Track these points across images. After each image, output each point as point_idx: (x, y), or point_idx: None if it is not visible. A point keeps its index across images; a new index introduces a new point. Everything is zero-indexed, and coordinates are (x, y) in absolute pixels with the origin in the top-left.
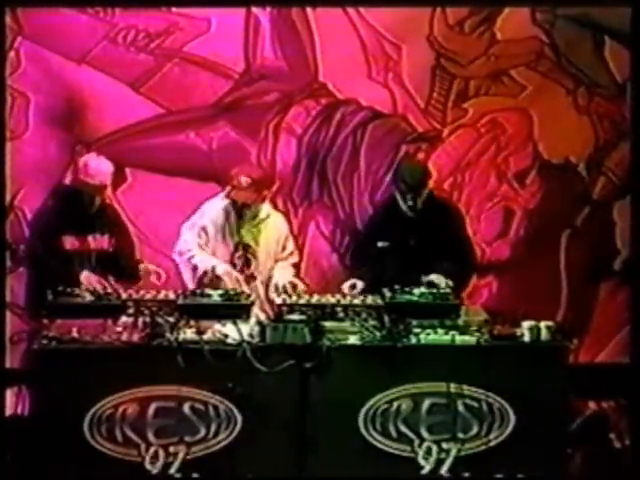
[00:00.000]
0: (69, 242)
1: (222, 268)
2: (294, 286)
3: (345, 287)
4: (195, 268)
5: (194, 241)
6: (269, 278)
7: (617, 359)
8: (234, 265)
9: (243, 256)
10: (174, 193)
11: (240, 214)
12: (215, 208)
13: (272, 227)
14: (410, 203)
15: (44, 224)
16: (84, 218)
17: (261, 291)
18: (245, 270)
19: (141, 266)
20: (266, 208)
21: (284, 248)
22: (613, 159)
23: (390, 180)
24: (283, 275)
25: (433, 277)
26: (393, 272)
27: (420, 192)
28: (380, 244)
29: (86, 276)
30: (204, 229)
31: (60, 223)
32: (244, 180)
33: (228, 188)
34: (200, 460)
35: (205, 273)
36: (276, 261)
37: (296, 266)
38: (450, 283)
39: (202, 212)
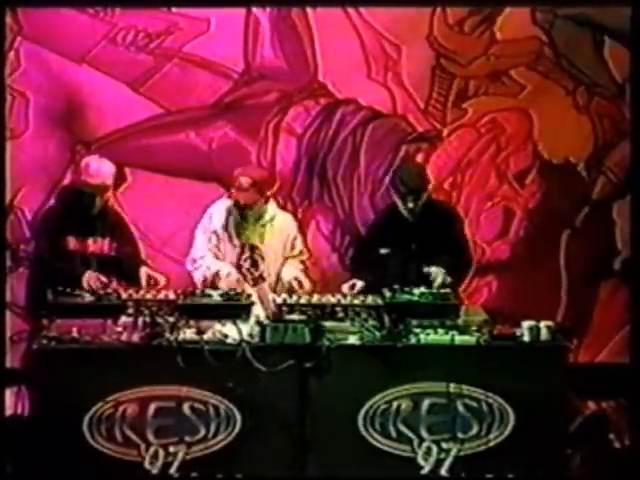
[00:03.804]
0: (72, 243)
1: (225, 272)
2: (299, 282)
3: (345, 288)
4: (205, 276)
5: (206, 246)
6: (277, 278)
7: (617, 359)
8: (240, 267)
9: (250, 257)
10: (174, 193)
11: (243, 215)
12: (220, 210)
13: (279, 228)
14: (411, 206)
15: (48, 225)
16: (85, 220)
17: (269, 293)
18: (253, 271)
19: (142, 270)
20: (272, 209)
21: (293, 247)
22: (613, 159)
23: (389, 183)
24: (289, 271)
25: (433, 269)
26: (394, 277)
27: (421, 195)
28: (383, 251)
29: (87, 277)
30: (215, 232)
31: (62, 224)
32: (245, 181)
33: (231, 190)
34: (200, 460)
35: (212, 279)
36: (286, 259)
37: (304, 263)
38: (448, 280)
39: (210, 215)
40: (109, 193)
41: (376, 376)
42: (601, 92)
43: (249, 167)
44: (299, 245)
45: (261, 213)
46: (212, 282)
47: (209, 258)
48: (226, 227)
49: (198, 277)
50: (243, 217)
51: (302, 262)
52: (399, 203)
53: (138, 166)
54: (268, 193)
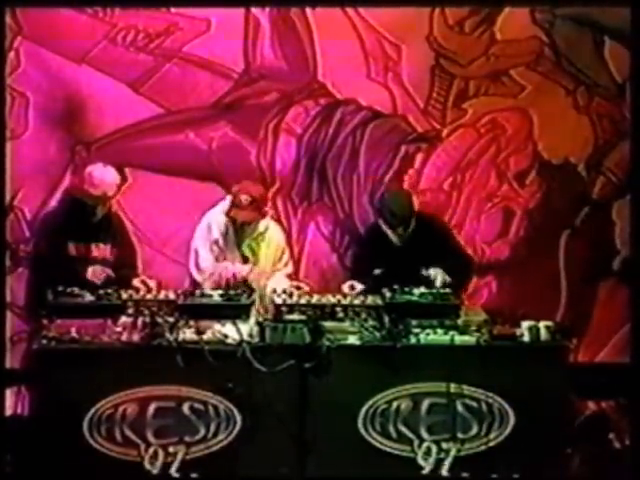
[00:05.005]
0: (72, 249)
1: (247, 267)
2: (298, 289)
3: (344, 288)
4: (227, 277)
5: (211, 257)
6: (264, 288)
7: (617, 359)
8: None
9: None
10: (174, 193)
11: (240, 231)
12: (219, 223)
13: (271, 239)
14: (400, 233)
15: (48, 230)
16: (87, 227)
17: (257, 301)
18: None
19: (135, 281)
20: (264, 220)
21: (280, 259)
22: (612, 159)
23: (376, 211)
24: (281, 284)
25: (432, 271)
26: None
27: (409, 222)
28: (376, 272)
29: (92, 270)
30: (216, 243)
31: (63, 231)
32: (244, 199)
33: (229, 205)
34: (200, 460)
35: (228, 282)
36: (273, 271)
37: (290, 277)
38: (448, 279)
39: (209, 226)
40: (112, 201)
41: (376, 376)
42: (601, 92)
43: (247, 183)
44: (285, 257)
45: (256, 226)
46: (236, 280)
47: (219, 263)
48: (228, 241)
49: (216, 280)
50: (240, 233)
51: (288, 276)
52: (388, 232)
53: (138, 166)
54: (265, 209)
